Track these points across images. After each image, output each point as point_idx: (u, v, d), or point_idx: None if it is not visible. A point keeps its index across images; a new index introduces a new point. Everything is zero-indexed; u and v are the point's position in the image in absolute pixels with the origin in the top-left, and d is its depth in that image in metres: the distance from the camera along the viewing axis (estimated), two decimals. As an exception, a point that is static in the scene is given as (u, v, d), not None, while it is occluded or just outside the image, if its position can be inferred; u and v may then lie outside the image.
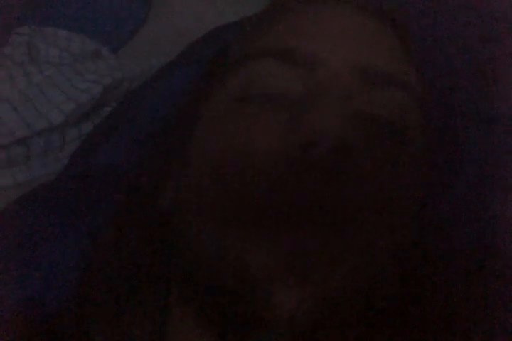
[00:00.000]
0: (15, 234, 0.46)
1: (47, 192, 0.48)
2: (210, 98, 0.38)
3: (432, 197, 0.43)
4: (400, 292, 0.34)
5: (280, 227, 0.30)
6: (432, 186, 0.42)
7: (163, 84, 0.55)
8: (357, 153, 0.30)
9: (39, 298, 0.42)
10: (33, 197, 0.48)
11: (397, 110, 0.35)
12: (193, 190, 0.34)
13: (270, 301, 0.29)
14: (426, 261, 0.39)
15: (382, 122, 0.34)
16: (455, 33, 0.54)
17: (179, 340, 0.35)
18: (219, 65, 0.41)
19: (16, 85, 0.49)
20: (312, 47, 0.35)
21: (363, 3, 0.39)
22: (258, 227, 0.30)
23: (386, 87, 0.35)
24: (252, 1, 0.55)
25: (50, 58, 0.57)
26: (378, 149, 0.33)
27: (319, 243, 0.29)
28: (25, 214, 0.47)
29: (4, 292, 0.42)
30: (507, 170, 0.47)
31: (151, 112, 0.53)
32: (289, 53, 0.35)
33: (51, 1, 0.63)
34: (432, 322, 0.37)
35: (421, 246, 0.38)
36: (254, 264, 0.29)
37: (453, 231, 0.44)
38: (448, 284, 0.39)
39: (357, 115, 0.33)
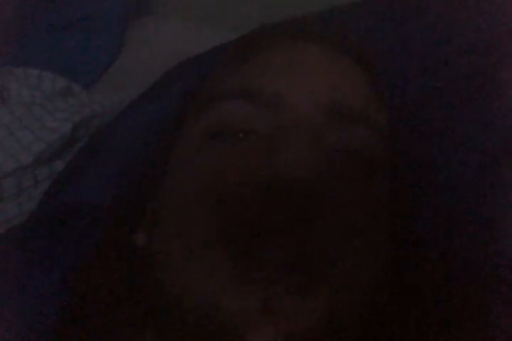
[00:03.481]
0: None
1: (21, 234, 0.48)
2: (183, 135, 0.39)
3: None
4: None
5: (252, 263, 0.30)
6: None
7: (133, 119, 0.55)
8: (321, 190, 0.31)
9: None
10: (7, 240, 0.48)
11: (361, 145, 0.35)
12: (168, 225, 0.34)
13: None
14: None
15: (347, 157, 0.35)
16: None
17: None
18: (190, 103, 0.41)
19: (-14, 128, 0.50)
20: (277, 87, 0.36)
21: (330, 40, 0.40)
22: (230, 267, 0.30)
23: (350, 124, 0.35)
24: (229, 33, 0.55)
25: (23, 98, 0.57)
26: (342, 183, 0.33)
27: (290, 278, 0.29)
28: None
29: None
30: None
31: (123, 148, 0.53)
32: (255, 94, 0.36)
33: (22, 40, 0.63)
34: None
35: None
36: (226, 305, 0.29)
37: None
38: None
39: (321, 152, 0.33)
